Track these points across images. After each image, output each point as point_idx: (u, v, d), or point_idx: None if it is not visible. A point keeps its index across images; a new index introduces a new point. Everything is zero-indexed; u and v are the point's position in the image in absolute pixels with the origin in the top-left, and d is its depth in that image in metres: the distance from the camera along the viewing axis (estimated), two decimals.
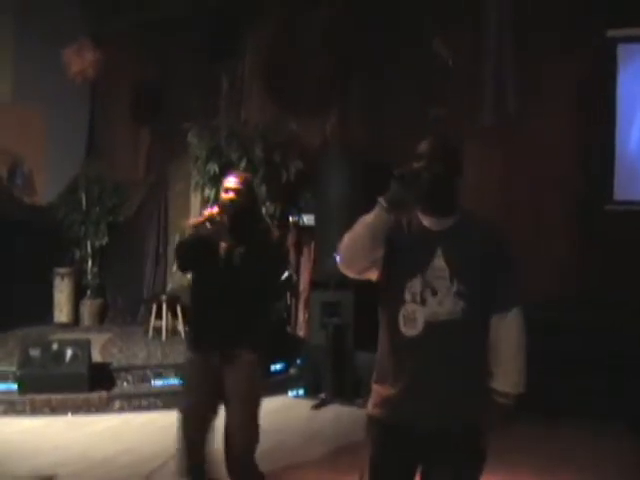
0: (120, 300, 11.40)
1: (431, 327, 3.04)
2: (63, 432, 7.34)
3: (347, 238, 3.06)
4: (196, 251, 4.91)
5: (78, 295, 11.16)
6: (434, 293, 3.04)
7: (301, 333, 9.78)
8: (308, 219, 9.43)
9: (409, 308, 3.07)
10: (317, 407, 8.19)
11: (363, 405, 8.10)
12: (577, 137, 8.65)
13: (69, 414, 7.78)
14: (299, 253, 9.77)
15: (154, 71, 10.92)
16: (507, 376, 3.17)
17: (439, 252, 3.08)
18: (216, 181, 9.09)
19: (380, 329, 3.24)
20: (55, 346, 8.12)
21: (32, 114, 10.87)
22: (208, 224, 4.73)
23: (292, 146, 9.13)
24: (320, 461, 6.13)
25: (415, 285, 3.07)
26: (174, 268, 10.97)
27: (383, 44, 9.07)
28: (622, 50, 8.66)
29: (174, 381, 8.47)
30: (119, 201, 11.29)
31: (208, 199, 9.27)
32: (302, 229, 9.62)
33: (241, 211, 4.79)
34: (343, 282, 8.44)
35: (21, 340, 8.88)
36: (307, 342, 9.27)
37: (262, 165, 8.94)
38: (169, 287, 10.98)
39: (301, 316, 9.79)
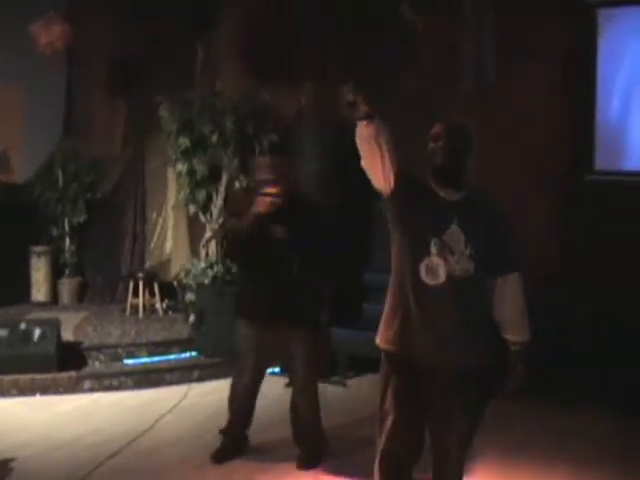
0: (99, 278, 11.23)
1: (451, 280, 3.63)
2: (31, 413, 7.25)
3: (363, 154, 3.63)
4: (249, 243, 5.33)
5: (56, 274, 11.00)
6: (452, 253, 3.62)
7: None
8: None
9: (434, 260, 3.63)
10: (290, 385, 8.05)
11: (339, 383, 8.08)
12: (559, 105, 8.41)
13: (37, 395, 7.66)
14: None
15: (131, 44, 10.70)
16: (521, 327, 3.81)
17: (455, 220, 3.65)
18: (188, 155, 8.93)
19: (395, 278, 3.80)
20: (23, 326, 8.00)
21: (6, 91, 10.66)
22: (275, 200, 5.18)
23: (265, 118, 8.92)
24: (290, 440, 6.07)
25: (438, 242, 3.62)
26: (152, 245, 10.87)
27: (358, 12, 8.85)
28: (602, 15, 8.42)
29: (146, 360, 8.37)
30: (96, 177, 11.08)
31: (180, 174, 9.08)
32: None
33: (282, 208, 5.18)
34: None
35: None
36: None
37: (234, 138, 8.74)
38: (147, 264, 10.84)
39: None
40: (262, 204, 5.19)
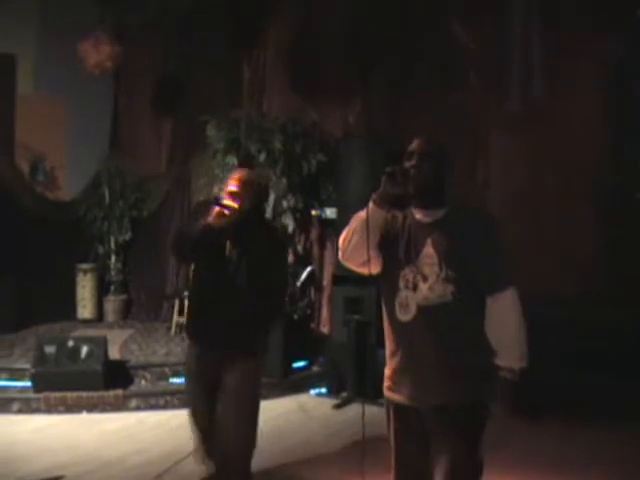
0: (144, 296, 11.28)
1: (423, 311, 3.30)
2: (77, 431, 7.24)
3: (345, 233, 3.41)
4: (202, 243, 4.73)
5: (101, 291, 11.05)
6: (424, 279, 3.31)
7: (325, 330, 9.55)
8: (330, 212, 9.18)
9: (402, 295, 3.34)
10: (339, 406, 7.97)
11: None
12: (608, 122, 8.29)
13: (84, 412, 7.67)
14: (322, 247, 9.56)
15: (177, 63, 10.78)
16: (510, 352, 3.34)
17: (429, 241, 3.35)
18: None
19: (383, 318, 3.51)
20: (70, 343, 8.01)
21: (54, 108, 10.80)
22: (226, 212, 4.57)
23: (313, 137, 8.91)
24: (342, 460, 5.99)
25: (408, 273, 3.34)
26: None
27: (405, 30, 8.81)
28: None
29: None
30: (142, 195, 11.17)
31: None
32: (324, 222, 9.39)
33: (242, 216, 4.64)
34: (365, 277, 8.24)
35: (38, 337, 8.77)
36: (330, 339, 9.04)
37: (282, 157, 8.72)
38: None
39: (325, 312, 9.56)
40: (212, 215, 4.68)
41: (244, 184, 4.72)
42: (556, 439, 6.70)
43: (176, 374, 8.35)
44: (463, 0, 8.47)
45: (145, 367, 8.41)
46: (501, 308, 3.33)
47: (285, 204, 8.90)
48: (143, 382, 8.25)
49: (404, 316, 3.34)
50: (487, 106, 8.21)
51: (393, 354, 3.46)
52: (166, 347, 9.31)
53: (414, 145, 3.43)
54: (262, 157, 8.74)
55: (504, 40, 8.43)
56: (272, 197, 8.85)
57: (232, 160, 8.84)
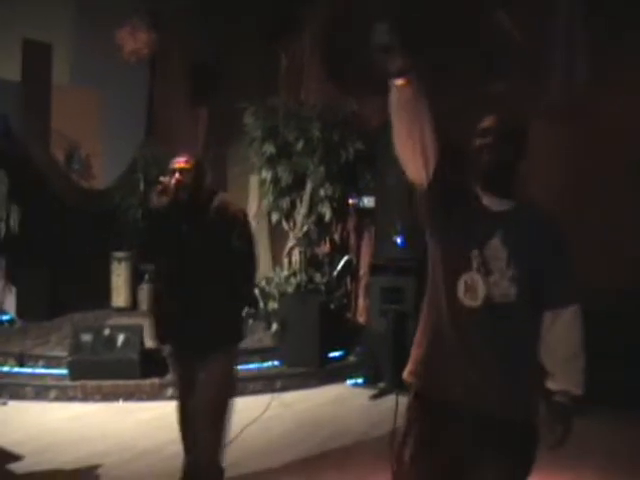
0: None
1: (490, 304, 2.94)
2: (113, 419, 7.23)
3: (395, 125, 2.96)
4: (151, 230, 4.76)
5: (136, 280, 11.01)
6: (490, 272, 2.95)
7: (361, 319, 9.46)
8: (368, 201, 9.07)
9: (474, 277, 2.97)
10: (376, 397, 7.89)
11: None
12: None
13: (120, 401, 7.65)
14: (359, 236, 9.47)
15: (212, 50, 10.71)
16: (567, 376, 3.00)
17: (498, 233, 2.98)
18: (273, 162, 8.85)
19: (429, 293, 3.12)
20: (107, 331, 7.99)
21: (89, 97, 10.79)
22: (159, 187, 4.56)
23: (351, 126, 8.80)
24: (378, 452, 5.89)
25: (474, 259, 2.97)
26: None
27: (446, 18, 8.66)
28: None
29: None
30: None
31: (264, 181, 9.01)
32: (362, 211, 9.30)
33: (188, 195, 4.56)
34: (404, 267, 8.16)
35: (74, 325, 8.77)
36: (367, 329, 8.95)
37: (320, 145, 8.63)
38: None
39: (361, 302, 9.47)
40: (153, 196, 4.62)
41: (186, 161, 4.67)
42: (607, 437, 6.56)
43: None
44: None
45: None
46: (563, 326, 3.00)
47: (322, 193, 8.82)
48: None
49: (470, 300, 2.95)
50: (530, 96, 8.03)
51: (436, 336, 3.05)
52: None
53: (490, 121, 3.04)
54: (300, 145, 8.66)
55: (548, 29, 8.27)
56: (309, 185, 8.77)
57: (270, 148, 8.77)
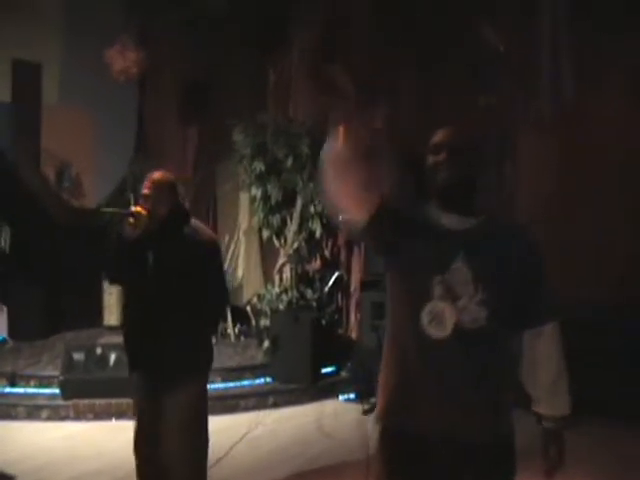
0: None
1: (459, 332, 2.75)
2: (106, 438, 7.22)
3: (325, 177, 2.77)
4: (120, 259, 4.48)
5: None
6: (457, 297, 2.76)
7: (353, 335, 9.48)
8: None
9: (438, 306, 2.77)
10: (368, 412, 7.90)
11: None
12: None
13: (113, 419, 7.65)
14: (350, 252, 9.50)
15: (201, 68, 10.76)
16: (554, 400, 2.90)
17: (460, 254, 2.78)
18: (262, 180, 8.88)
19: (390, 330, 2.95)
20: (99, 350, 8.00)
21: (79, 115, 10.79)
22: (131, 220, 4.27)
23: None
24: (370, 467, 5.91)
25: (437, 285, 2.78)
26: None
27: (432, 31, 8.74)
28: None
29: (220, 385, 8.30)
30: None
31: (254, 198, 9.04)
32: None
33: (159, 222, 4.37)
34: None
35: (66, 344, 8.78)
36: (358, 344, 8.98)
37: (309, 162, 8.67)
38: None
39: (352, 317, 9.50)
40: (124, 226, 4.34)
41: (156, 186, 4.43)
42: (598, 445, 6.61)
43: None
44: (493, 1, 8.38)
45: None
46: (544, 345, 2.86)
47: (312, 209, 8.85)
48: None
49: (436, 330, 2.77)
50: (517, 108, 8.11)
51: (404, 372, 2.87)
52: None
53: (442, 136, 2.85)
54: (289, 162, 8.68)
55: (534, 40, 8.33)
56: (299, 202, 8.80)
57: (259, 166, 8.80)
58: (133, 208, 4.32)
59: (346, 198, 2.76)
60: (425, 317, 2.79)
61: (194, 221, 4.63)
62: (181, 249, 4.38)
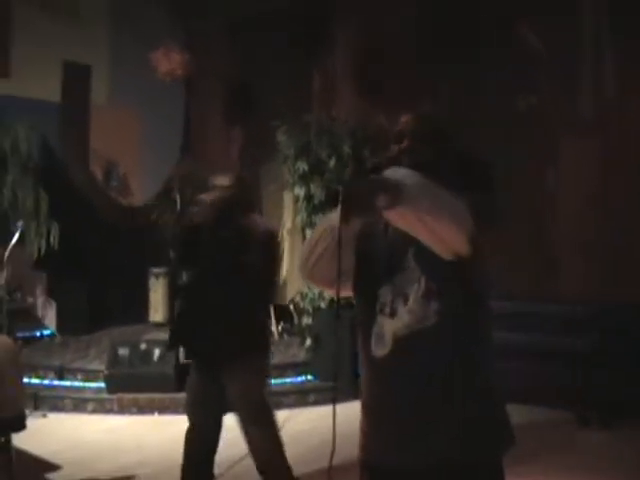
0: None
1: (400, 342, 2.45)
2: (148, 432, 7.37)
3: (309, 242, 2.58)
4: (186, 242, 4.91)
5: (173, 295, 11.17)
6: (405, 300, 2.47)
7: None
8: None
9: (379, 323, 2.51)
10: None
11: None
12: None
13: (156, 414, 7.78)
14: None
15: (247, 69, 10.88)
16: None
17: (410, 251, 2.48)
18: (306, 179, 8.95)
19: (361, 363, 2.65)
20: (143, 346, 8.15)
21: (127, 116, 10.98)
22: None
23: (381, 141, 8.85)
24: None
25: (385, 294, 2.51)
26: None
27: (472, 32, 8.75)
28: None
29: None
30: None
31: (297, 198, 9.11)
32: None
33: (223, 212, 4.78)
34: None
35: (111, 340, 8.94)
36: None
37: (351, 162, 8.71)
38: None
39: None
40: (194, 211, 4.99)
41: (226, 179, 5.01)
42: (627, 446, 6.59)
43: None
44: (533, 3, 8.37)
45: None
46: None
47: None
48: None
49: (379, 350, 2.50)
50: (558, 110, 8.09)
51: (368, 401, 2.62)
52: None
53: (404, 123, 2.60)
54: (332, 162, 8.73)
55: (575, 43, 8.31)
56: None
57: (302, 166, 8.86)
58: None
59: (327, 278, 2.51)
60: (373, 339, 2.52)
61: (257, 215, 5.18)
62: (240, 238, 4.70)
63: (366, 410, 2.63)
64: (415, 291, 2.45)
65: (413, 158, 2.46)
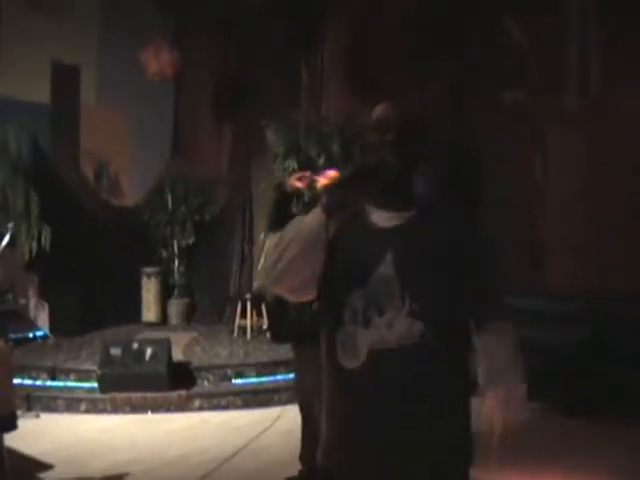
0: (207, 299, 11.42)
1: (376, 357, 2.31)
2: (141, 430, 7.39)
3: (275, 248, 2.40)
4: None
5: (165, 294, 11.22)
6: (380, 312, 2.31)
7: None
8: None
9: (348, 331, 2.35)
10: None
11: None
12: None
13: (149, 412, 7.81)
14: None
15: (236, 67, 10.90)
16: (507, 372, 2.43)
17: (387, 257, 2.32)
18: None
19: (321, 359, 2.52)
20: (135, 345, 8.17)
21: (117, 115, 10.98)
22: None
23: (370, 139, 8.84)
24: None
25: (356, 301, 2.34)
26: (259, 266, 10.96)
27: (462, 29, 8.78)
28: None
29: (254, 380, 8.43)
30: (204, 200, 11.31)
31: None
32: None
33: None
34: None
35: (104, 340, 8.97)
36: None
37: (341, 160, 8.74)
38: (255, 286, 10.93)
39: None
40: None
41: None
42: (618, 443, 6.60)
43: (238, 375, 8.47)
44: None
45: (208, 368, 8.53)
46: (495, 337, 2.39)
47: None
48: (206, 383, 8.37)
49: (349, 362, 2.34)
50: (544, 104, 8.12)
51: (332, 408, 2.47)
52: (228, 349, 9.43)
53: (386, 111, 2.41)
54: (321, 161, 8.76)
55: (560, 36, 8.34)
56: None
57: (292, 164, 8.89)
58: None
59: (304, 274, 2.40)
60: (339, 347, 2.38)
61: None
62: None
63: (329, 416, 2.49)
64: (397, 306, 2.30)
65: (400, 150, 2.33)
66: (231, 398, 8.07)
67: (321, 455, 2.51)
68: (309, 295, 2.45)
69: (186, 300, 11.38)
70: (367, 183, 2.28)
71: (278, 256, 2.37)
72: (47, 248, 9.54)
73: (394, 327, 2.29)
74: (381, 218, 2.38)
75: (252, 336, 10.03)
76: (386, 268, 2.31)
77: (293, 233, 2.37)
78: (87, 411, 7.86)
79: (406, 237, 2.34)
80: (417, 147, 2.38)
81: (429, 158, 2.42)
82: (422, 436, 2.34)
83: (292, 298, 2.56)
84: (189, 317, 11.34)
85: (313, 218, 2.33)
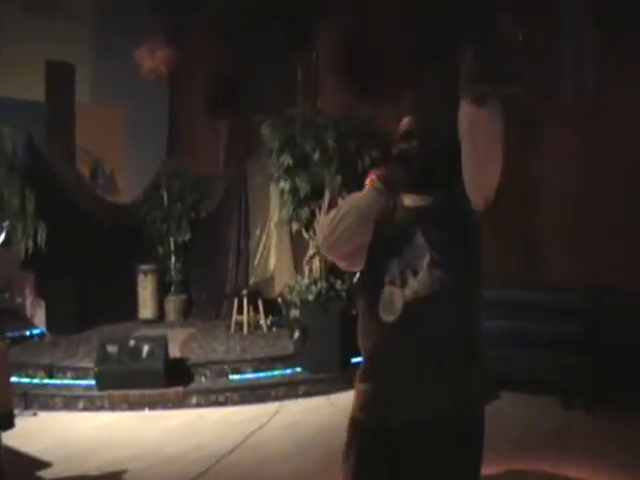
0: (204, 295, 11.44)
1: (409, 308, 2.76)
2: (139, 427, 7.40)
3: (331, 217, 2.85)
4: None
5: (162, 291, 11.23)
6: (415, 273, 2.79)
7: None
8: None
9: (387, 291, 2.81)
10: None
11: None
12: None
13: (146, 409, 7.82)
14: None
15: (231, 64, 10.89)
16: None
17: (419, 229, 2.83)
18: (291, 173, 8.97)
19: (360, 320, 2.94)
20: (132, 343, 8.18)
21: (111, 113, 11.00)
22: None
23: (367, 134, 8.86)
24: None
25: (393, 267, 2.83)
26: (255, 262, 10.99)
27: (456, 25, 8.75)
28: None
29: (251, 376, 8.44)
30: (200, 196, 11.32)
31: (283, 192, 9.13)
32: None
33: None
34: None
35: (100, 337, 8.97)
36: None
37: (336, 155, 8.73)
38: (251, 281, 10.95)
39: None
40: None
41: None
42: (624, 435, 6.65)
43: (235, 371, 8.49)
44: None
45: (205, 365, 8.53)
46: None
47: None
48: (203, 379, 8.38)
49: (388, 316, 2.78)
50: (539, 99, 8.11)
51: (374, 363, 2.89)
52: (225, 345, 9.44)
53: (411, 124, 2.92)
54: (316, 156, 8.75)
55: (554, 31, 8.33)
56: (327, 195, 8.87)
57: (287, 159, 8.88)
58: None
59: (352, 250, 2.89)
60: (380, 307, 2.81)
61: None
62: None
63: (369, 372, 2.89)
64: (426, 263, 2.77)
65: (421, 157, 2.82)
66: (228, 394, 8.08)
67: (370, 410, 2.88)
68: (358, 264, 2.94)
69: (183, 297, 11.40)
70: (404, 175, 2.80)
71: (331, 230, 2.83)
72: (43, 246, 9.52)
73: (423, 281, 2.76)
74: (412, 201, 2.91)
75: (249, 332, 10.05)
76: (418, 239, 2.81)
77: (347, 207, 2.83)
78: (85, 409, 7.86)
79: (430, 214, 2.84)
80: (434, 149, 2.84)
81: (443, 156, 2.81)
82: (454, 364, 2.79)
83: (343, 265, 3.01)
84: (186, 313, 11.35)
85: (366, 196, 2.81)
